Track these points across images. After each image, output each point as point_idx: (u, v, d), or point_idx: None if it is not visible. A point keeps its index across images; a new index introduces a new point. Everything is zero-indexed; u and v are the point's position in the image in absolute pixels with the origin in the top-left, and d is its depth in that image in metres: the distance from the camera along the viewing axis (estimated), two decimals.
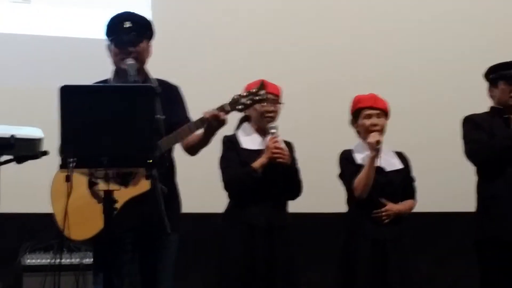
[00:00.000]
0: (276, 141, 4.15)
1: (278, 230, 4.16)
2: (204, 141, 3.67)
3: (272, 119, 4.25)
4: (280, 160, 4.12)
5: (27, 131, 3.37)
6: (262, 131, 4.27)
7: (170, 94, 3.77)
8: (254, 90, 3.59)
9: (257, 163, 4.14)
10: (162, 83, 3.80)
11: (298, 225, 4.33)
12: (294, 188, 4.33)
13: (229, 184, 4.23)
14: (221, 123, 3.54)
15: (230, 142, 4.25)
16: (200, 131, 3.63)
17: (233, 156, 4.24)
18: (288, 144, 4.37)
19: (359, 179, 4.26)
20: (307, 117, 5.76)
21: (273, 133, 4.18)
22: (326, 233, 4.81)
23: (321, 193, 5.00)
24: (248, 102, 3.58)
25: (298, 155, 4.42)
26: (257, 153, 4.19)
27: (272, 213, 4.16)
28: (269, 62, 5.68)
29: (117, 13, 3.78)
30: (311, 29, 5.95)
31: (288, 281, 4.17)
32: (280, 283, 4.12)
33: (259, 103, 3.74)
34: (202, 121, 3.53)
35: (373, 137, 4.25)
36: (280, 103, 4.31)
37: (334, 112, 4.87)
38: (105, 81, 3.76)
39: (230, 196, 4.27)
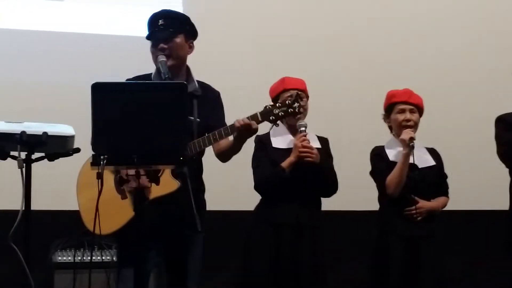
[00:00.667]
0: (304, 140, 4.11)
1: (307, 229, 4.13)
2: (234, 148, 3.67)
3: (302, 115, 4.21)
4: (308, 159, 4.09)
5: (59, 129, 3.38)
6: (294, 130, 4.24)
7: (209, 98, 3.77)
8: (288, 102, 3.56)
9: (285, 163, 4.12)
10: (204, 86, 3.79)
11: (331, 224, 4.30)
12: (328, 185, 4.29)
13: (259, 184, 4.22)
14: (252, 132, 3.53)
15: (261, 142, 4.25)
16: (231, 138, 3.62)
17: (263, 156, 4.24)
18: (324, 140, 4.36)
19: (392, 176, 4.23)
20: (340, 112, 5.73)
21: (301, 131, 4.15)
22: (359, 231, 4.77)
23: (353, 190, 4.96)
24: (281, 114, 3.55)
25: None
26: (287, 152, 4.17)
27: (301, 211, 4.12)
28: (299, 57, 5.65)
29: (154, 12, 3.78)
30: (339, 26, 5.92)
31: (314, 280, 4.13)
32: (306, 282, 4.09)
33: (292, 116, 3.71)
34: (232, 129, 3.52)
35: (406, 134, 4.21)
36: (307, 97, 4.28)
37: (368, 107, 4.82)
38: (148, 75, 3.75)
39: (260, 195, 4.26)
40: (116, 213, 3.03)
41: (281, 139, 4.25)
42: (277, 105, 3.55)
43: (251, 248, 4.19)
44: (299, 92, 3.69)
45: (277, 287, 4.09)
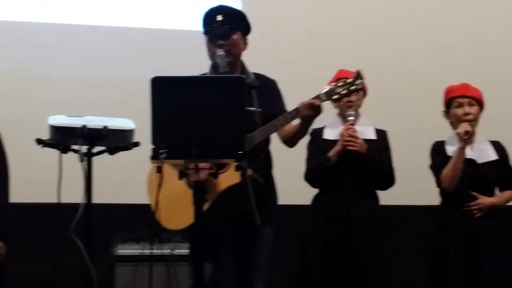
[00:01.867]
0: (350, 128, 4.07)
1: (358, 222, 4.07)
2: (301, 132, 3.65)
3: (352, 104, 4.18)
4: (351, 148, 4.03)
5: (119, 122, 3.40)
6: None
7: (267, 88, 3.77)
8: (350, 80, 3.55)
9: (332, 152, 4.09)
10: (259, 77, 3.80)
11: (391, 218, 4.25)
12: (383, 178, 4.23)
13: (307, 174, 4.23)
14: (317, 111, 3.50)
15: (313, 135, 4.23)
16: (296, 122, 3.61)
17: (314, 148, 4.23)
18: (382, 132, 4.31)
19: (446, 171, 4.17)
20: (402, 106, 5.67)
21: (348, 120, 4.12)
22: (420, 226, 4.71)
23: (415, 184, 4.90)
24: (344, 92, 3.54)
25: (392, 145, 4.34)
26: (336, 143, 4.14)
27: (352, 203, 4.06)
28: (358, 52, 5.60)
29: (211, 7, 3.78)
30: (396, 16, 5.85)
31: (366, 275, 4.08)
32: (358, 276, 4.05)
33: (355, 93, 3.67)
34: (297, 111, 3.51)
35: (461, 127, 4.14)
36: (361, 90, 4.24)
37: (431, 101, 4.75)
38: (202, 75, 3.76)
39: (310, 185, 4.25)
40: (188, 209, 3.04)
41: (332, 130, 4.22)
42: (339, 84, 3.54)
43: (306, 242, 4.20)
44: (359, 70, 3.65)
45: (330, 280, 4.06)
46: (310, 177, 4.22)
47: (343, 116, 4.23)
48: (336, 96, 3.54)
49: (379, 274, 4.12)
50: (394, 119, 5.20)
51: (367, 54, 5.59)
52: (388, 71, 5.60)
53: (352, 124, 4.10)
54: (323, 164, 4.10)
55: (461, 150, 4.13)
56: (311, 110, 3.48)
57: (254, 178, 3.42)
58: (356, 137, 4.06)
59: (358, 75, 3.56)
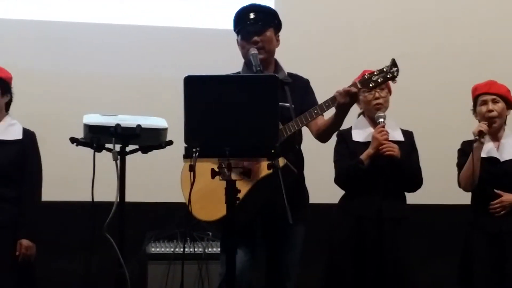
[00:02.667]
0: (382, 131, 4.06)
1: (390, 222, 4.06)
2: (336, 122, 3.62)
3: (381, 106, 4.17)
4: (389, 153, 4.03)
5: (153, 121, 3.41)
6: (375, 123, 4.18)
7: (300, 85, 3.78)
8: (385, 68, 3.52)
9: (364, 155, 4.08)
10: (292, 76, 3.80)
11: (422, 217, 4.23)
12: (412, 181, 4.22)
13: (338, 177, 4.21)
14: (354, 98, 3.48)
15: (342, 136, 4.22)
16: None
17: (343, 149, 4.22)
18: (408, 133, 4.30)
19: (462, 171, 4.18)
20: (430, 106, 5.64)
21: (379, 123, 4.10)
22: (452, 225, 4.68)
23: (446, 184, 4.87)
24: (380, 79, 3.52)
25: (420, 145, 4.32)
26: (366, 145, 4.13)
27: (384, 204, 4.05)
28: (389, 49, 5.56)
29: (242, 6, 3.80)
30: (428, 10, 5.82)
31: (398, 275, 4.06)
32: (390, 277, 4.03)
33: (391, 81, 3.64)
34: (333, 99, 3.49)
35: (477, 127, 4.12)
36: (389, 92, 4.24)
37: (460, 101, 4.72)
38: (236, 73, 3.77)
39: (341, 188, 4.24)
40: (221, 200, 3.05)
41: (361, 132, 4.21)
42: (375, 72, 3.52)
43: (335, 241, 4.19)
44: (394, 58, 3.62)
45: (361, 281, 4.05)
46: (342, 180, 4.20)
47: (370, 117, 4.22)
48: (372, 84, 3.52)
49: (409, 274, 4.11)
50: (422, 117, 5.19)
51: (392, 52, 5.55)
52: (417, 68, 5.56)
53: (383, 127, 4.08)
54: (355, 167, 4.08)
55: (476, 150, 4.11)
56: (348, 97, 3.45)
57: (288, 168, 3.40)
58: (390, 142, 4.06)
59: (394, 63, 3.53)
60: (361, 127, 4.23)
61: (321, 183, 4.32)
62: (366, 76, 3.52)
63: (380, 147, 4.03)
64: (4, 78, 4.19)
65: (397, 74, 3.54)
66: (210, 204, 3.41)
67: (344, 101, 3.46)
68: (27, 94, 4.98)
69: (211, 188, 3.23)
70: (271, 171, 3.03)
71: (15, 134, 4.17)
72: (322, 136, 3.76)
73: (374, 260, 4.01)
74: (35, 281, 4.18)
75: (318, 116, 3.56)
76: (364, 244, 4.05)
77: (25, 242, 4.07)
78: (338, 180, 4.21)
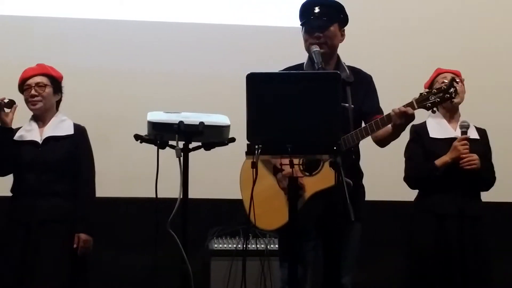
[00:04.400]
0: (465, 144, 4.04)
1: (469, 220, 4.04)
2: (393, 136, 3.60)
3: (459, 98, 4.11)
4: (470, 168, 4.02)
5: (215, 119, 3.42)
6: (450, 115, 4.18)
7: (362, 84, 3.74)
8: (443, 88, 3.47)
9: (440, 162, 4.06)
10: (355, 71, 3.77)
11: (496, 215, 4.18)
12: (487, 179, 4.20)
13: (409, 176, 4.21)
14: (409, 119, 3.45)
15: (416, 133, 4.21)
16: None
17: (418, 148, 4.20)
18: (483, 131, 4.27)
19: None
20: (503, 102, 5.57)
21: (463, 132, 4.08)
22: None
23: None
24: (437, 100, 3.46)
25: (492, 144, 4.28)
26: (444, 142, 4.11)
27: (464, 202, 4.02)
28: (456, 45, 5.51)
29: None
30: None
31: (480, 273, 4.04)
32: (472, 275, 3.99)
33: (449, 101, 3.60)
34: (388, 118, 3.46)
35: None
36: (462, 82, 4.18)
37: None
38: (300, 65, 3.76)
39: (409, 187, 4.22)
40: (280, 210, 3.05)
41: (438, 128, 4.19)
42: (432, 91, 3.47)
43: (416, 240, 4.17)
44: (454, 76, 3.58)
45: (443, 279, 4.03)
46: (412, 181, 4.20)
47: (446, 109, 4.17)
48: (428, 104, 3.46)
49: (490, 274, 4.11)
50: (495, 114, 5.12)
51: (461, 48, 5.50)
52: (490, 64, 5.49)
53: (467, 139, 4.06)
54: (429, 172, 4.08)
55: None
56: (403, 118, 3.43)
57: (345, 181, 3.40)
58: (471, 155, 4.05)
59: (452, 83, 3.47)
60: (437, 122, 4.21)
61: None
62: (423, 95, 3.46)
63: (460, 160, 4.02)
64: (57, 77, 4.27)
65: (455, 95, 3.49)
66: (269, 212, 3.42)
67: (400, 122, 3.44)
68: (92, 93, 5.08)
69: (267, 195, 3.24)
70: (330, 183, 3.03)
71: (67, 129, 4.22)
72: (379, 144, 3.75)
73: (460, 259, 3.98)
74: (87, 277, 4.23)
75: (373, 133, 3.53)
76: (448, 244, 4.03)
77: (83, 236, 4.11)
78: (409, 180, 4.21)
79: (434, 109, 3.79)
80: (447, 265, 4.01)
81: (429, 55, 5.25)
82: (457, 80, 3.73)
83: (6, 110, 4.11)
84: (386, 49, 5.55)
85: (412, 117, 3.45)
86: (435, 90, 3.47)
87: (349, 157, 3.54)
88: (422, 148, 4.18)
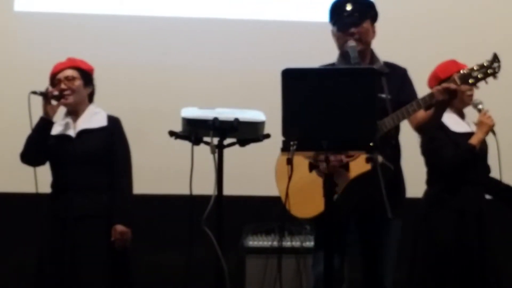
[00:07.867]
0: (489, 116, 4.13)
1: (489, 217, 4.05)
2: (435, 117, 3.55)
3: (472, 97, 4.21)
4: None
5: (250, 115, 3.41)
6: (461, 114, 4.25)
7: (397, 76, 3.71)
8: (486, 64, 3.41)
9: (474, 140, 4.10)
10: (389, 65, 3.74)
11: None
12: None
13: (448, 162, 4.15)
14: (453, 95, 3.39)
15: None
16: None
17: (444, 137, 4.19)
18: None
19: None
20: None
21: (480, 109, 4.16)
22: None
23: None
24: (480, 76, 3.40)
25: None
26: (466, 136, 4.16)
27: (484, 198, 3.99)
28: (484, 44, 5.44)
29: None
30: None
31: (499, 272, 4.05)
32: (492, 274, 3.96)
33: (492, 77, 3.54)
34: (431, 96, 3.41)
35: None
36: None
37: None
38: (331, 64, 3.74)
39: (449, 174, 4.16)
40: (316, 198, 3.03)
41: (456, 123, 4.23)
42: (474, 67, 3.41)
43: (433, 236, 4.13)
44: (496, 53, 3.51)
45: (462, 277, 4.01)
46: (454, 164, 4.14)
47: (457, 109, 4.23)
48: (471, 80, 3.40)
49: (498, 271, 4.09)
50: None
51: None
52: None
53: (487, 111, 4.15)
54: (469, 152, 4.08)
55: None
56: (446, 94, 3.37)
57: (385, 165, 3.35)
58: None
59: (495, 58, 3.41)
60: (453, 119, 4.22)
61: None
62: (465, 72, 3.41)
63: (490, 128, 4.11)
64: (87, 70, 4.22)
65: (499, 70, 3.41)
66: (305, 201, 3.39)
67: (443, 98, 3.38)
68: (127, 88, 5.08)
69: (305, 183, 3.21)
70: (368, 167, 2.98)
71: (100, 121, 4.15)
72: (421, 130, 3.72)
73: (478, 255, 3.95)
74: (131, 269, 4.18)
75: (414, 112, 3.49)
76: (469, 241, 4.01)
77: (119, 227, 3.99)
78: (449, 165, 4.15)
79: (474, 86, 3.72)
80: (467, 261, 4.00)
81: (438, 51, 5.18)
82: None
83: (53, 102, 4.10)
84: (422, 42, 5.51)
85: (455, 93, 3.38)
86: (478, 66, 3.41)
87: (388, 144, 3.51)
88: (447, 139, 4.19)
